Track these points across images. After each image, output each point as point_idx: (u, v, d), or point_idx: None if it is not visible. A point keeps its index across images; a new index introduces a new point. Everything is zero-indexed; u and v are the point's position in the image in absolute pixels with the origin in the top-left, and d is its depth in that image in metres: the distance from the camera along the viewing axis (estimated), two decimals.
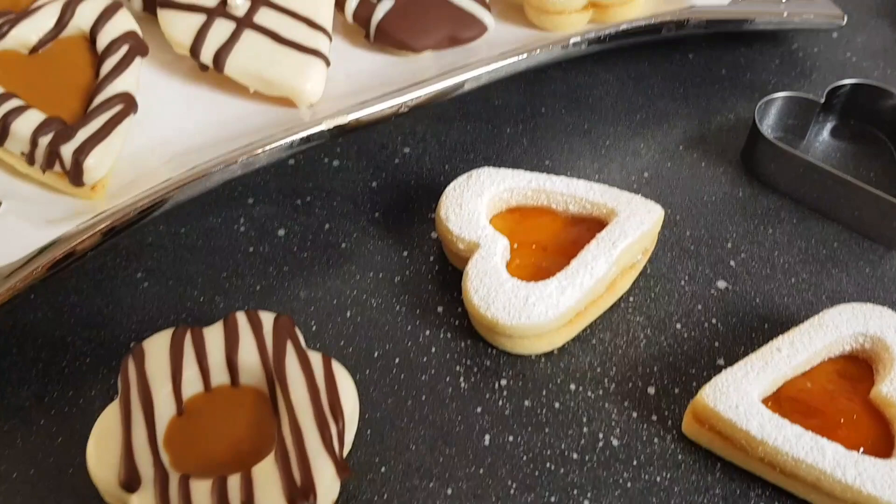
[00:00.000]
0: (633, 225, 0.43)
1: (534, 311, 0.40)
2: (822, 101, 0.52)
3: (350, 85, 0.50)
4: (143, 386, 0.37)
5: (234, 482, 0.34)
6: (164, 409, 0.37)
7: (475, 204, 0.45)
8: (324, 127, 0.45)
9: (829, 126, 0.55)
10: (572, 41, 0.50)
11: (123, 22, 0.46)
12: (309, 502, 0.34)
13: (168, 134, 0.47)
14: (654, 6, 0.54)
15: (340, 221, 0.48)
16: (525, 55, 0.50)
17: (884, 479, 0.35)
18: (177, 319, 0.43)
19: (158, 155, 0.46)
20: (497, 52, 0.52)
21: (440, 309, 0.44)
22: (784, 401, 0.39)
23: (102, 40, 0.45)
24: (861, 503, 0.35)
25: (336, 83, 0.50)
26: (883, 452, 0.37)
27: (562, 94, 0.56)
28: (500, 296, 0.41)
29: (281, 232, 0.48)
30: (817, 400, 0.39)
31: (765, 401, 0.38)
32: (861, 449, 0.37)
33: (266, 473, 0.34)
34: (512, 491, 0.38)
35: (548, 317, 0.40)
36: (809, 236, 0.48)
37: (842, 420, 0.38)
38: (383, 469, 0.38)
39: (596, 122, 0.54)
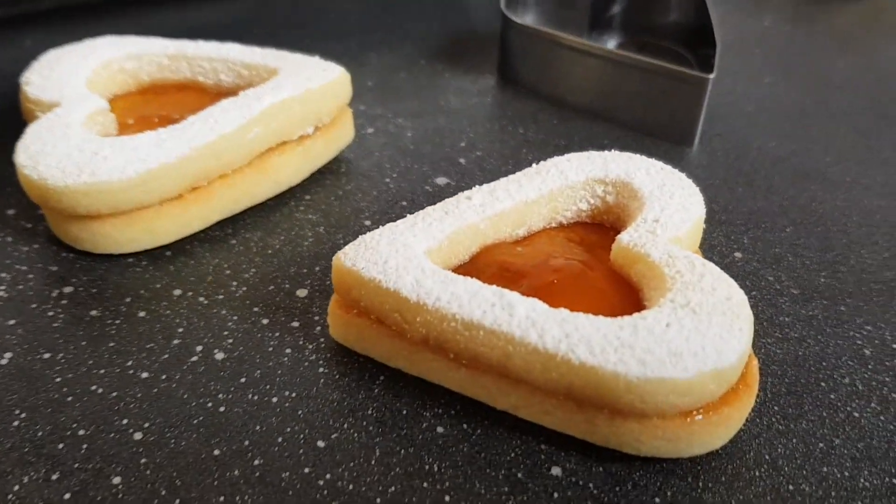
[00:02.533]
0: (297, 82, 0.30)
1: (104, 166, 0.26)
2: None
3: None
4: None
5: None
6: None
7: (75, 66, 0.31)
8: None
9: (614, 41, 0.44)
10: None
11: None
12: None
13: None
14: None
15: None
16: None
17: (607, 341, 0.20)
18: None
19: None
20: None
21: (11, 212, 0.30)
22: (480, 270, 0.24)
23: None
24: (577, 388, 0.21)
25: None
26: None
27: (281, 19, 0.45)
28: (59, 150, 0.27)
29: None
30: (529, 265, 0.24)
31: (458, 269, 0.24)
32: None
33: None
34: (16, 423, 0.22)
35: (125, 174, 0.26)
36: (572, 135, 0.36)
37: (555, 280, 0.23)
38: None
39: (317, 40, 0.43)
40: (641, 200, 0.26)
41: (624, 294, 0.24)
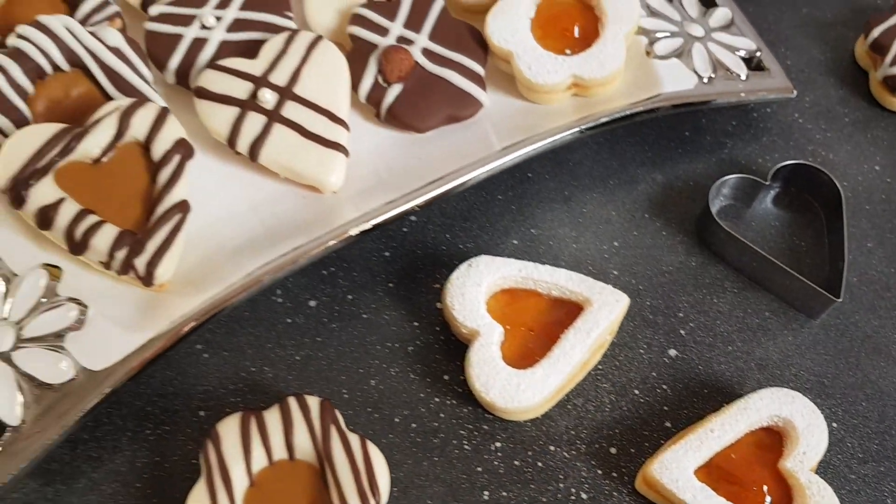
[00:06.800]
0: (604, 316, 0.54)
1: (524, 396, 0.51)
2: (768, 182, 0.62)
3: (366, 165, 0.58)
4: (221, 465, 0.47)
5: None
6: (240, 483, 0.47)
7: (475, 293, 0.54)
8: (352, 233, 0.53)
9: (772, 193, 0.64)
10: (562, 135, 0.58)
11: (173, 130, 0.53)
12: None
13: (210, 218, 0.55)
14: (627, 86, 0.62)
15: (360, 292, 0.58)
16: (521, 151, 0.57)
17: None
18: (234, 390, 0.53)
19: (206, 239, 0.54)
20: (490, 124, 0.61)
21: (446, 377, 0.55)
22: (713, 469, 0.51)
23: (157, 149, 0.52)
24: None
25: (353, 160, 0.57)
26: None
27: (547, 157, 0.65)
28: (497, 383, 0.51)
29: (312, 303, 0.57)
30: (738, 469, 0.51)
31: (699, 469, 0.51)
32: None
33: None
34: None
35: (534, 400, 0.51)
36: (746, 306, 0.59)
37: (755, 488, 0.50)
38: None
39: (575, 188, 0.63)
40: (797, 433, 0.51)
41: (785, 491, 0.50)
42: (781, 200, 0.64)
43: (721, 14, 0.67)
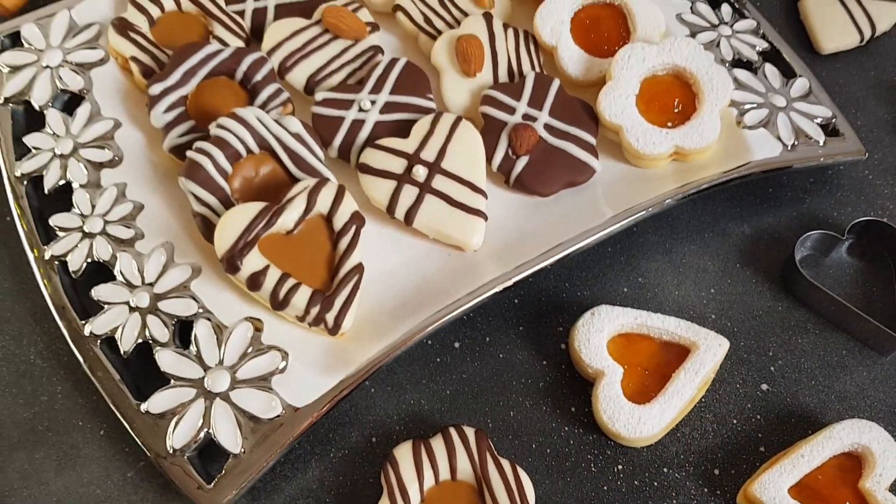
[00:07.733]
0: (709, 358, 0.64)
1: (644, 427, 0.62)
2: (845, 237, 0.71)
3: (499, 224, 0.69)
4: (400, 484, 0.59)
5: None
6: (415, 500, 0.59)
7: (599, 339, 0.65)
8: (497, 289, 0.64)
9: (847, 244, 0.74)
10: (666, 202, 0.68)
11: (349, 204, 0.64)
12: None
13: (374, 273, 0.66)
14: (720, 153, 0.72)
15: (496, 335, 0.68)
16: (632, 217, 0.67)
17: None
18: (398, 419, 0.64)
19: (371, 292, 0.65)
20: (601, 187, 0.71)
21: (573, 409, 0.65)
22: (803, 488, 0.61)
23: (338, 221, 0.63)
24: None
25: (488, 221, 0.68)
26: None
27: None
28: (621, 416, 0.62)
29: (456, 344, 0.68)
30: (824, 488, 0.61)
31: (792, 487, 0.61)
32: None
33: None
34: None
35: (653, 431, 0.62)
36: (826, 345, 0.69)
37: None
38: None
39: (674, 241, 0.73)
40: (874, 458, 0.61)
41: None
42: (855, 251, 0.74)
43: (800, 84, 0.76)
